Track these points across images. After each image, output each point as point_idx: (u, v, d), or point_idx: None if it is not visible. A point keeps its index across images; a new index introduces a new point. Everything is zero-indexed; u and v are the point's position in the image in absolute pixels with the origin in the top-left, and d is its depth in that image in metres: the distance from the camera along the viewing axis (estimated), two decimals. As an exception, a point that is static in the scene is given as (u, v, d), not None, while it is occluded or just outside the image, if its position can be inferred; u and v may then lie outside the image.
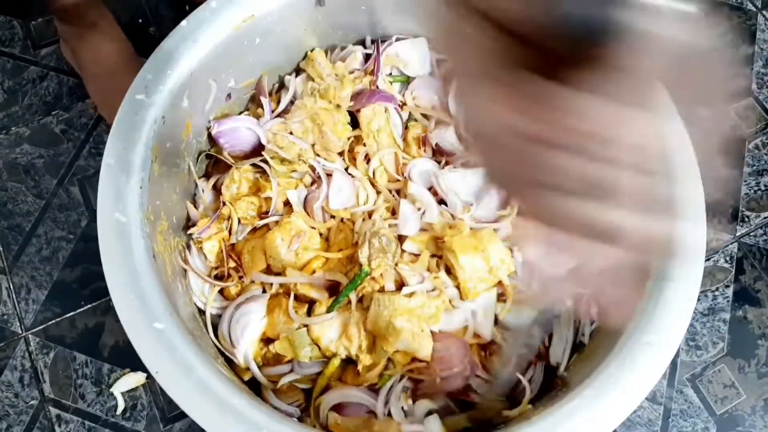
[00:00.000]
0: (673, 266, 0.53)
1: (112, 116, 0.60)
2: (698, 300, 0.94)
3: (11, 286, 0.97)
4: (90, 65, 1.02)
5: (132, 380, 0.91)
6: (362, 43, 0.81)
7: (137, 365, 0.91)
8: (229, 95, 0.72)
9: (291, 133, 0.72)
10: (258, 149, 0.75)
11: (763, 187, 1.03)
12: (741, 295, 0.96)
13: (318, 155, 0.73)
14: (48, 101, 1.09)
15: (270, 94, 0.77)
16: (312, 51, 0.76)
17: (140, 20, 1.13)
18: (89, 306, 0.95)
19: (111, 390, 0.90)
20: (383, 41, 0.78)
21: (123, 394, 0.90)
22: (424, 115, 0.78)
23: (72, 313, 0.95)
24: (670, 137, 0.27)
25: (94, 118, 1.06)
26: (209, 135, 0.73)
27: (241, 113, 0.77)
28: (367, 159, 0.74)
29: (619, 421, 0.48)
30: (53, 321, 0.95)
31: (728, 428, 0.88)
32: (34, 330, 0.94)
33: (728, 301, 0.96)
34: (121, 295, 0.52)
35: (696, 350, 0.93)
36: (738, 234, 1.00)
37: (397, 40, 0.78)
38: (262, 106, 0.75)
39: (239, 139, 0.74)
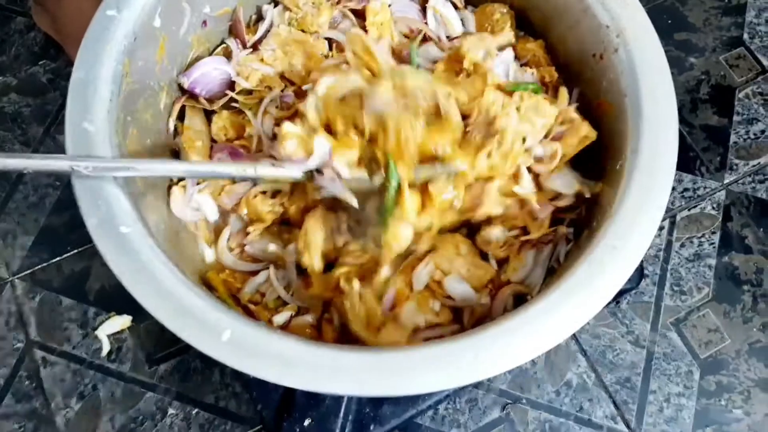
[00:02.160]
0: (641, 174, 0.53)
1: None
2: (683, 246, 0.95)
3: (-2, 233, 0.97)
4: (71, 28, 1.00)
5: (117, 323, 0.91)
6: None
7: (123, 308, 0.92)
8: (204, 22, 0.71)
9: (262, 60, 0.72)
10: (233, 87, 0.74)
11: (752, 136, 1.02)
12: (727, 241, 0.96)
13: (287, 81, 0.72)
14: (35, 51, 1.09)
15: (248, 25, 0.76)
16: (289, -20, 0.76)
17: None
18: (76, 251, 0.96)
19: (96, 333, 0.90)
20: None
21: (108, 336, 0.90)
22: (407, 36, 0.78)
23: (58, 258, 0.95)
24: None
25: (81, 67, 1.06)
26: (181, 88, 0.72)
27: (219, 45, 0.77)
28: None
29: (584, 321, 0.48)
30: (40, 266, 0.95)
31: (712, 372, 0.88)
32: (20, 275, 0.95)
33: (714, 247, 0.95)
34: (87, 200, 0.52)
35: (681, 295, 0.92)
36: (726, 181, 0.99)
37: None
38: (238, 37, 0.74)
39: (212, 82, 0.73)
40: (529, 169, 0.63)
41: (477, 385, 0.86)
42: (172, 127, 0.72)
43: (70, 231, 0.97)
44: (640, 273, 0.88)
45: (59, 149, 1.02)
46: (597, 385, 0.87)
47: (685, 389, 0.87)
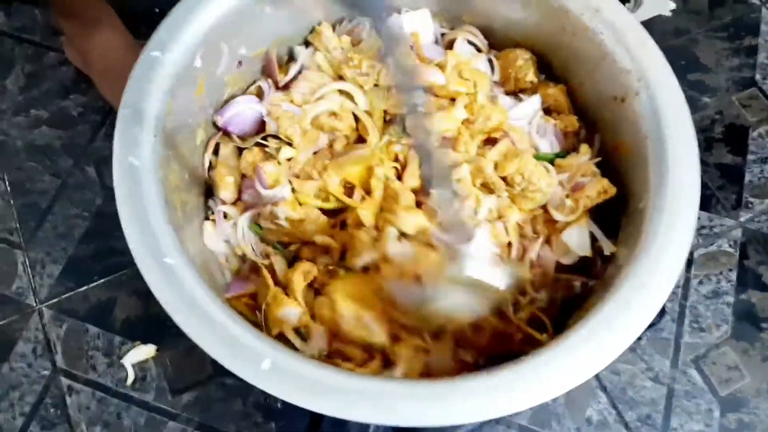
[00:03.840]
0: (667, 214, 0.54)
1: None
2: (701, 283, 0.96)
3: (27, 261, 0.99)
4: (100, 62, 1.03)
5: (142, 352, 0.92)
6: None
7: (148, 338, 0.93)
8: (240, 62, 0.74)
9: (291, 101, 0.74)
10: (264, 125, 0.77)
11: (766, 175, 1.04)
12: (745, 279, 0.97)
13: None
14: (66, 85, 1.12)
15: (280, 65, 0.79)
16: (319, 24, 0.79)
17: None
18: (102, 281, 0.97)
19: (121, 361, 0.92)
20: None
21: (133, 365, 0.92)
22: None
23: (85, 288, 0.97)
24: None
25: (111, 102, 1.09)
26: (215, 126, 0.75)
27: (252, 84, 0.79)
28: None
29: (611, 359, 0.50)
30: (67, 295, 0.97)
31: (732, 410, 0.89)
32: (47, 303, 0.96)
33: (732, 285, 0.96)
34: (133, 232, 0.54)
35: (699, 332, 0.93)
36: (742, 220, 1.01)
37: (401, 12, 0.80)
38: (270, 77, 0.77)
39: (245, 120, 0.76)
40: (548, 218, 0.66)
41: (498, 421, 0.87)
42: (207, 163, 0.74)
43: (97, 261, 0.99)
44: (660, 309, 0.89)
45: (88, 181, 1.04)
46: (618, 422, 0.87)
47: (706, 427, 0.87)
